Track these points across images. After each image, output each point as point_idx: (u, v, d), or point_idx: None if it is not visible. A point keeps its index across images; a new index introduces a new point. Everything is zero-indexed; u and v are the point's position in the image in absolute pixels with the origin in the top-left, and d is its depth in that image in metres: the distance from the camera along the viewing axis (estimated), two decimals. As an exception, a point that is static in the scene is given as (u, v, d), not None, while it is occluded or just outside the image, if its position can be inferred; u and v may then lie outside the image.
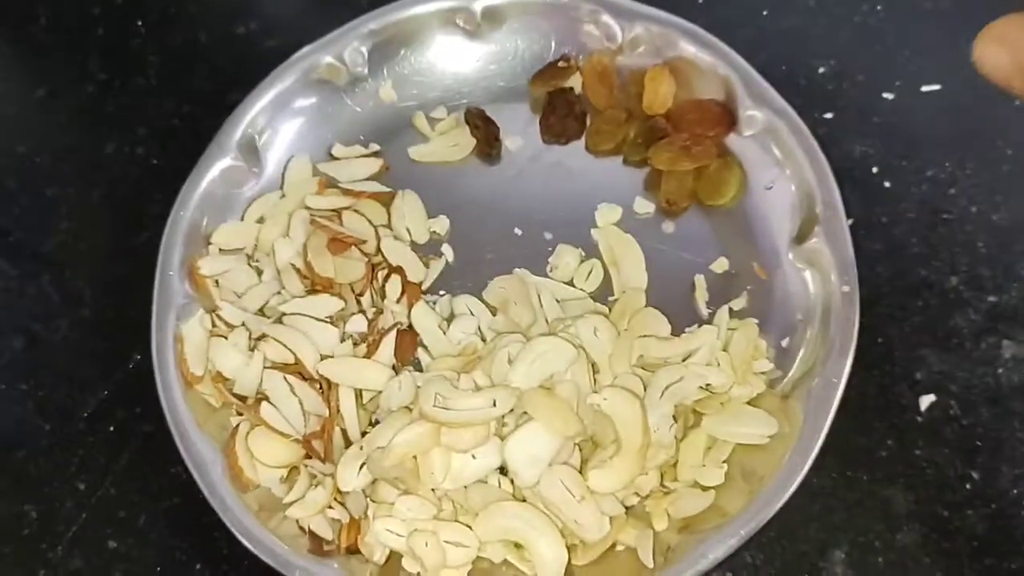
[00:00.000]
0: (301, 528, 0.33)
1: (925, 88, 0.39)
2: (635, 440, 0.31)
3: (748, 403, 0.34)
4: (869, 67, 0.40)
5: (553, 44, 0.39)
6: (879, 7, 0.40)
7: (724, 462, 0.33)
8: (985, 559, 0.32)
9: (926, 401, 0.34)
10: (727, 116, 0.37)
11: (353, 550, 0.32)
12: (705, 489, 0.33)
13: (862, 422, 0.34)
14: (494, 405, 0.31)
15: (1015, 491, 0.33)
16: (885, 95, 0.39)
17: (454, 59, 0.40)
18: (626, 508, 0.33)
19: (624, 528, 0.32)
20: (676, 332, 0.35)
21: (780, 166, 0.36)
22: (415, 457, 0.32)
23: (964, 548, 0.32)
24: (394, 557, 0.32)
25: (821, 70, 0.40)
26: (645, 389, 0.33)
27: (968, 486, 0.33)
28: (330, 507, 0.33)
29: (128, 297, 0.37)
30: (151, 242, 0.36)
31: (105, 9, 0.43)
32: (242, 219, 0.37)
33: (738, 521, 0.31)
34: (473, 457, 0.32)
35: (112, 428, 0.36)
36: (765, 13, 0.41)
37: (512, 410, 0.32)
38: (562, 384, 0.32)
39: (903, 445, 0.34)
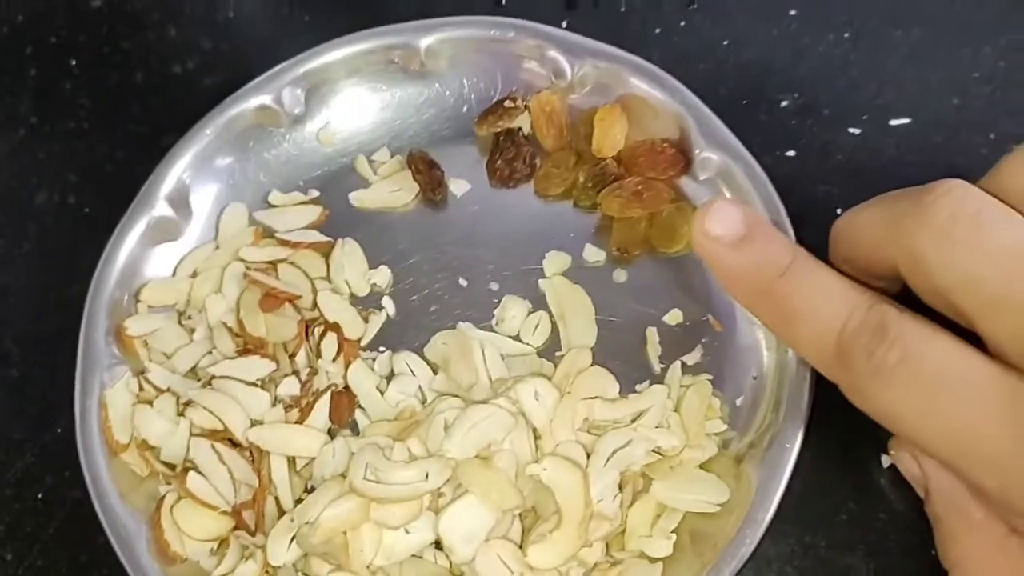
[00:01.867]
0: (230, 604, 0.31)
1: (894, 122, 0.37)
2: (577, 512, 0.30)
3: (700, 467, 0.32)
4: (834, 100, 0.38)
5: (500, 83, 0.37)
6: (846, 36, 0.38)
7: (673, 531, 0.31)
8: (951, 631, 0.30)
9: (888, 460, 0.32)
10: (680, 158, 0.35)
11: (284, 627, 0.31)
12: (653, 561, 0.31)
13: (820, 484, 0.32)
14: (427, 478, 0.30)
15: (983, 558, 0.31)
16: (851, 130, 0.37)
17: (396, 100, 0.38)
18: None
19: (568, 607, 0.30)
20: (626, 387, 0.33)
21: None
22: (345, 533, 0.30)
23: (929, 617, 0.31)
24: (327, 635, 0.31)
25: (784, 104, 0.38)
26: (589, 456, 0.31)
27: (933, 552, 0.31)
28: (261, 582, 0.31)
29: (58, 355, 0.36)
30: (82, 296, 0.35)
31: (37, 49, 0.41)
32: (174, 274, 0.36)
33: (687, 596, 0.30)
34: (407, 532, 0.30)
35: (40, 495, 0.35)
36: (725, 43, 0.39)
37: (448, 481, 0.30)
38: (500, 454, 0.31)
39: (864, 508, 0.32)
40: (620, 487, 0.31)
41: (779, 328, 0.29)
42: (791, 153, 0.37)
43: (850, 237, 0.28)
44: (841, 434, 0.33)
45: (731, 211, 0.29)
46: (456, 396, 0.32)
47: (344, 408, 0.34)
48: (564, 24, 0.39)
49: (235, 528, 0.32)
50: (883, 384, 0.25)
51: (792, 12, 0.39)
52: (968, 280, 0.25)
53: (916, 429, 0.25)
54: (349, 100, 0.38)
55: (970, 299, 0.25)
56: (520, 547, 0.30)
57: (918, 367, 0.25)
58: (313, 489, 0.32)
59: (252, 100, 0.37)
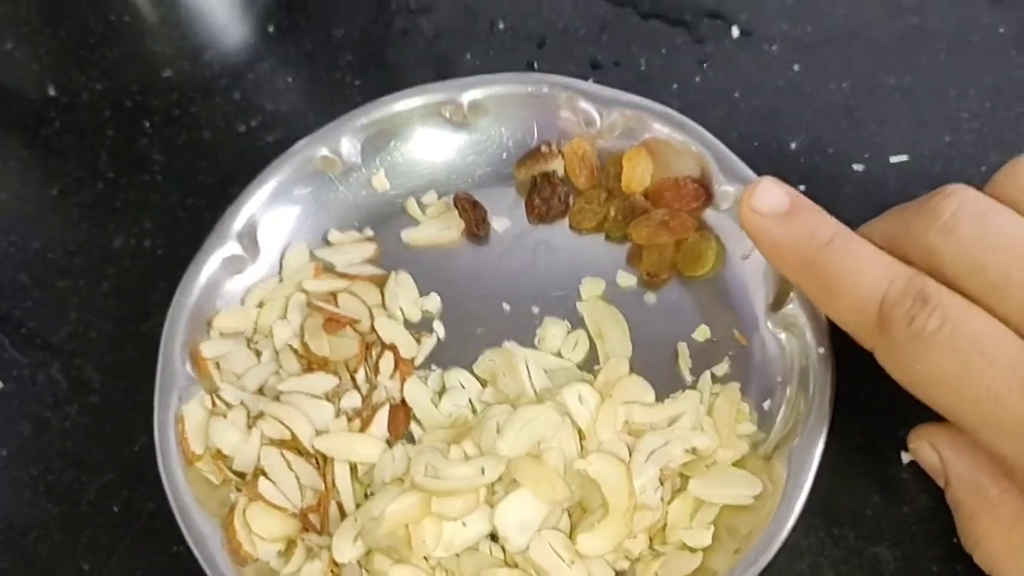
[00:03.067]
0: (299, 601, 0.33)
1: (893, 159, 0.41)
2: (622, 503, 0.32)
3: (733, 465, 0.34)
4: (838, 140, 0.42)
5: (536, 131, 0.41)
6: (844, 85, 0.43)
7: (711, 523, 0.33)
8: (976, 615, 0.32)
9: (907, 457, 0.35)
10: (703, 192, 0.39)
11: (349, 622, 0.33)
12: (693, 551, 0.33)
13: (847, 480, 0.35)
14: (483, 473, 0.32)
15: (1002, 545, 0.33)
16: (855, 166, 0.41)
17: (442, 148, 0.42)
18: (616, 573, 0.33)
19: (615, 594, 0.33)
20: (660, 398, 0.36)
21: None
22: (407, 526, 0.32)
23: (955, 603, 0.33)
24: (389, 628, 0.33)
25: (792, 145, 0.42)
26: (631, 454, 0.34)
27: (955, 539, 0.33)
28: (327, 579, 0.34)
29: (135, 382, 0.39)
30: (156, 329, 0.38)
31: (115, 112, 0.46)
32: (242, 304, 0.39)
33: (726, 581, 0.32)
34: (464, 525, 0.32)
35: (116, 509, 0.37)
36: (736, 94, 0.43)
37: (501, 478, 0.33)
38: (549, 451, 0.33)
39: (888, 501, 0.35)
40: (661, 483, 0.34)
41: (822, 297, 0.31)
42: (802, 187, 0.41)
43: (870, 239, 0.31)
44: (863, 434, 0.36)
45: (776, 189, 0.32)
46: (506, 404, 0.35)
47: (401, 420, 0.36)
48: (590, 81, 0.43)
49: (302, 530, 0.34)
50: (922, 349, 0.28)
51: (795, 67, 0.44)
52: (974, 267, 0.28)
53: (947, 395, 0.28)
54: (400, 149, 0.42)
55: (980, 282, 0.28)
56: (570, 537, 0.33)
57: (956, 335, 0.27)
58: (372, 495, 0.35)
59: (313, 150, 0.41)
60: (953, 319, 0.28)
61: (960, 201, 0.29)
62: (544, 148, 0.41)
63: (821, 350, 0.34)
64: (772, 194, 0.32)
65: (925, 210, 0.30)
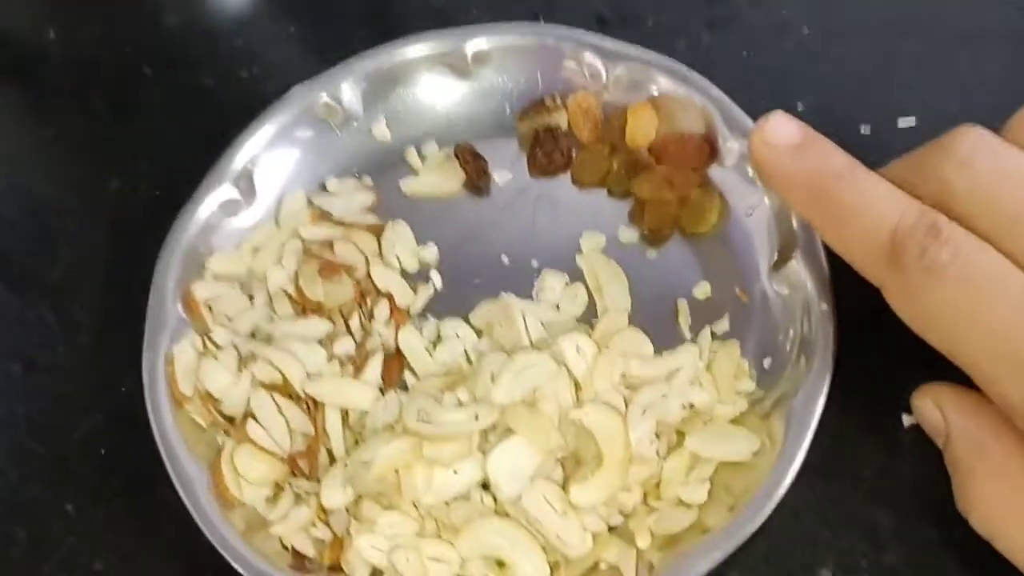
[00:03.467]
0: (285, 546, 0.33)
1: (902, 123, 0.40)
2: (616, 454, 0.32)
3: (731, 422, 0.34)
4: (846, 103, 0.41)
5: (540, 83, 0.41)
6: (855, 48, 0.42)
7: (707, 479, 0.33)
8: (974, 578, 0.32)
9: (910, 420, 0.34)
10: (707, 148, 0.38)
11: (336, 568, 0.32)
12: (688, 507, 0.33)
13: (847, 442, 0.34)
14: (476, 419, 0.32)
15: (1002, 510, 0.33)
16: (862, 129, 0.40)
17: (445, 98, 0.41)
18: (610, 528, 0.33)
19: (607, 546, 0.32)
20: (659, 353, 0.35)
21: (759, 193, 0.37)
22: (397, 472, 0.32)
23: (952, 567, 0.32)
24: (376, 574, 0.32)
25: (800, 107, 0.41)
26: (627, 406, 0.33)
27: (953, 506, 0.33)
28: (314, 525, 0.33)
29: (125, 324, 0.38)
30: (148, 273, 0.37)
31: (114, 55, 0.45)
32: (237, 248, 0.38)
33: (720, 536, 0.31)
34: (455, 472, 0.32)
35: (103, 451, 0.37)
36: (745, 55, 0.42)
37: (495, 426, 0.32)
38: (544, 399, 0.33)
39: (888, 464, 0.34)
40: (656, 436, 0.33)
41: (832, 228, 0.30)
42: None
43: None
44: (864, 395, 0.35)
45: (788, 121, 0.31)
46: (501, 353, 0.34)
47: (395, 368, 0.36)
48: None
49: (290, 475, 0.34)
50: (933, 281, 0.27)
51: (805, 30, 0.43)
52: (989, 203, 0.28)
53: (956, 330, 0.27)
54: (401, 98, 0.41)
55: (993, 218, 0.28)
56: (563, 488, 0.32)
57: (968, 268, 0.27)
58: (364, 442, 0.34)
59: (313, 95, 0.40)
60: (965, 253, 0.27)
61: (977, 138, 0.29)
62: (548, 101, 0.40)
63: (824, 307, 0.34)
64: (784, 126, 0.32)
65: (940, 146, 0.30)
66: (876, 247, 0.29)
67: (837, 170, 0.31)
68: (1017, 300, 0.27)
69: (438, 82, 0.41)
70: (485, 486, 0.32)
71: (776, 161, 0.31)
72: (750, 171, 0.37)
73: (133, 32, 0.46)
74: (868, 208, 0.30)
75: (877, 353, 0.35)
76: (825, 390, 0.33)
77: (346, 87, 0.40)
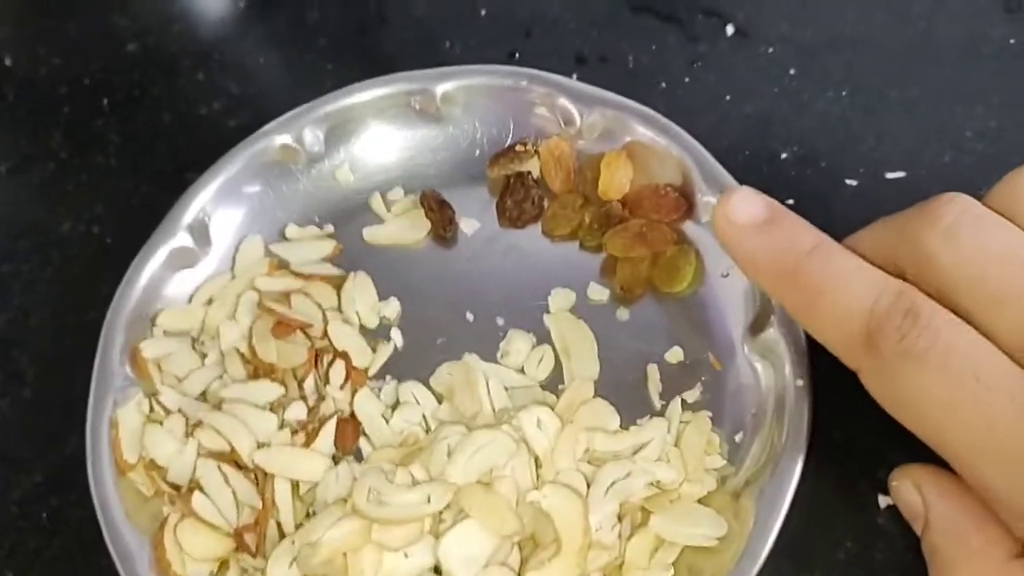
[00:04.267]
0: (228, 627, 0.32)
1: (889, 175, 0.39)
2: (575, 541, 0.30)
3: (699, 501, 0.32)
4: (832, 153, 0.39)
5: (511, 128, 0.39)
6: (844, 93, 0.40)
7: (671, 564, 0.31)
8: (949, 674, 0.30)
9: (886, 501, 0.33)
10: (683, 202, 0.36)
11: (281, 651, 0.31)
12: (651, 594, 0.31)
13: (819, 522, 0.33)
14: (429, 501, 0.30)
15: (981, 600, 0.31)
16: (848, 181, 0.38)
17: (412, 142, 0.39)
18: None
19: (565, 636, 0.30)
20: (627, 423, 0.34)
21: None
22: (345, 555, 0.30)
23: (927, 662, 0.31)
24: (323, 660, 0.31)
25: (783, 156, 0.39)
26: (590, 485, 0.31)
27: (931, 594, 0.31)
28: (260, 604, 0.32)
29: (71, 378, 0.36)
30: (98, 323, 0.36)
31: (72, 88, 0.44)
32: (190, 301, 0.37)
33: (684, 630, 0.30)
34: (406, 556, 0.30)
35: (44, 514, 0.35)
36: (728, 98, 0.40)
37: (449, 507, 0.31)
38: (501, 479, 0.31)
39: (862, 547, 0.32)
40: (619, 519, 0.31)
41: (803, 311, 0.29)
42: (791, 201, 0.38)
43: (859, 250, 0.29)
44: (839, 474, 0.33)
45: (754, 197, 0.30)
46: (460, 424, 0.33)
47: (349, 434, 0.34)
48: (574, 77, 0.41)
49: (236, 550, 0.32)
50: (913, 367, 0.26)
51: (792, 71, 0.41)
52: (973, 279, 0.26)
53: (936, 419, 0.26)
54: (366, 141, 0.39)
55: (977, 297, 0.26)
56: (518, 575, 0.30)
57: (949, 354, 0.25)
58: (315, 514, 0.33)
59: (273, 138, 0.38)
60: (945, 337, 0.26)
61: (962, 207, 0.27)
62: (519, 147, 0.38)
63: (800, 382, 0.32)
64: (749, 203, 0.30)
65: (924, 214, 0.28)
66: (850, 330, 0.27)
67: (806, 248, 0.29)
68: (1003, 391, 0.25)
69: (405, 126, 0.39)
70: (438, 569, 0.31)
71: (741, 240, 0.30)
72: (727, 230, 0.35)
73: (93, 62, 0.44)
74: (841, 290, 0.28)
75: (852, 429, 0.34)
76: (798, 471, 0.31)
77: (308, 130, 0.38)
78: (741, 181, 0.36)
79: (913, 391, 0.26)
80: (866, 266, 0.28)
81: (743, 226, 0.30)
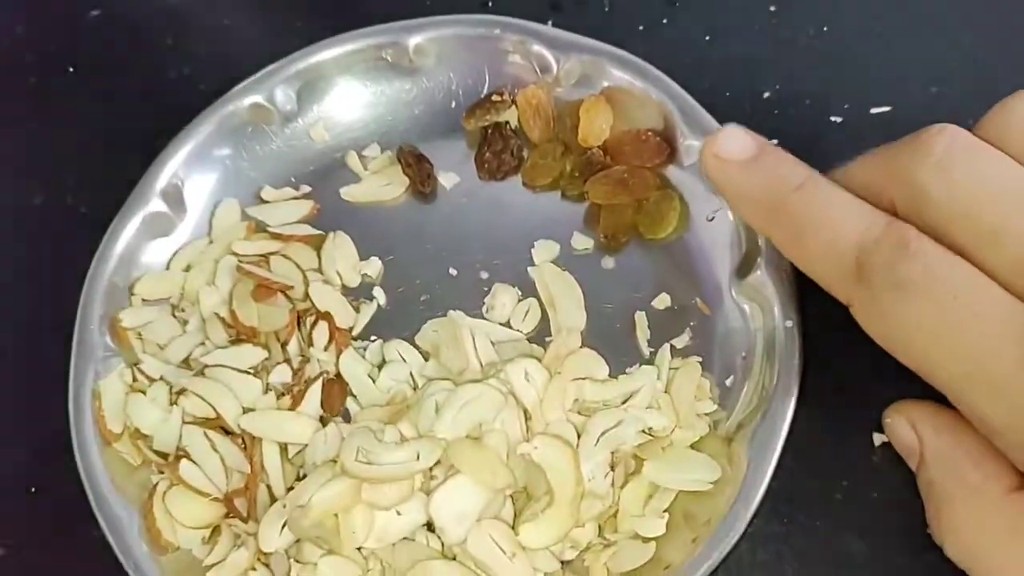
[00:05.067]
0: (222, 592, 0.31)
1: (875, 110, 0.38)
2: (568, 491, 0.30)
3: (691, 447, 0.32)
4: (816, 91, 0.38)
5: (487, 78, 0.38)
6: (825, 29, 0.39)
7: (666, 511, 0.31)
8: (946, 607, 0.30)
9: (881, 439, 0.32)
10: (665, 147, 0.36)
11: (276, 614, 0.31)
12: (646, 540, 0.31)
13: (813, 464, 0.32)
14: (418, 458, 0.30)
15: (977, 533, 0.31)
16: (833, 118, 0.38)
17: (386, 96, 0.38)
18: (563, 563, 0.31)
19: (561, 589, 0.30)
20: (616, 372, 0.33)
21: (721, 197, 0.35)
22: (336, 515, 0.30)
23: (925, 596, 0.31)
24: (319, 621, 0.31)
25: (766, 95, 0.38)
26: (580, 436, 0.31)
27: (928, 529, 0.31)
28: (253, 569, 0.31)
29: (51, 350, 0.36)
30: (76, 294, 0.35)
31: (37, 56, 0.42)
32: (168, 268, 0.36)
33: (681, 572, 0.30)
34: (398, 514, 0.30)
35: (33, 488, 0.35)
36: (707, 39, 0.40)
37: (439, 463, 0.30)
38: (491, 433, 0.31)
39: (857, 487, 0.32)
40: (612, 467, 0.31)
41: (792, 243, 0.29)
42: (775, 141, 0.37)
43: (847, 185, 0.29)
44: (832, 414, 0.33)
45: (741, 133, 0.30)
46: (447, 380, 0.32)
47: (336, 396, 0.34)
48: (549, 23, 0.40)
49: (227, 516, 0.32)
50: (904, 298, 0.25)
51: (772, 8, 0.40)
52: (967, 213, 0.26)
53: (928, 350, 0.26)
54: (340, 98, 0.38)
55: (971, 231, 0.26)
56: (512, 527, 0.30)
57: (940, 283, 0.25)
58: (305, 477, 0.32)
59: (244, 99, 0.37)
60: (936, 268, 0.25)
61: (951, 138, 0.27)
62: (496, 96, 0.37)
63: (789, 323, 0.32)
64: (737, 139, 0.30)
65: (914, 146, 0.27)
66: (840, 263, 0.27)
67: (794, 183, 0.28)
68: (994, 319, 0.25)
69: (379, 81, 0.38)
70: (431, 526, 0.31)
71: (729, 176, 0.29)
72: (711, 172, 0.35)
73: (57, 30, 0.43)
74: (830, 222, 0.27)
75: (845, 368, 0.33)
76: (791, 412, 0.31)
77: (280, 89, 0.38)
78: (723, 123, 0.35)
79: (905, 321, 0.26)
80: (855, 199, 0.28)
81: (731, 162, 0.29)
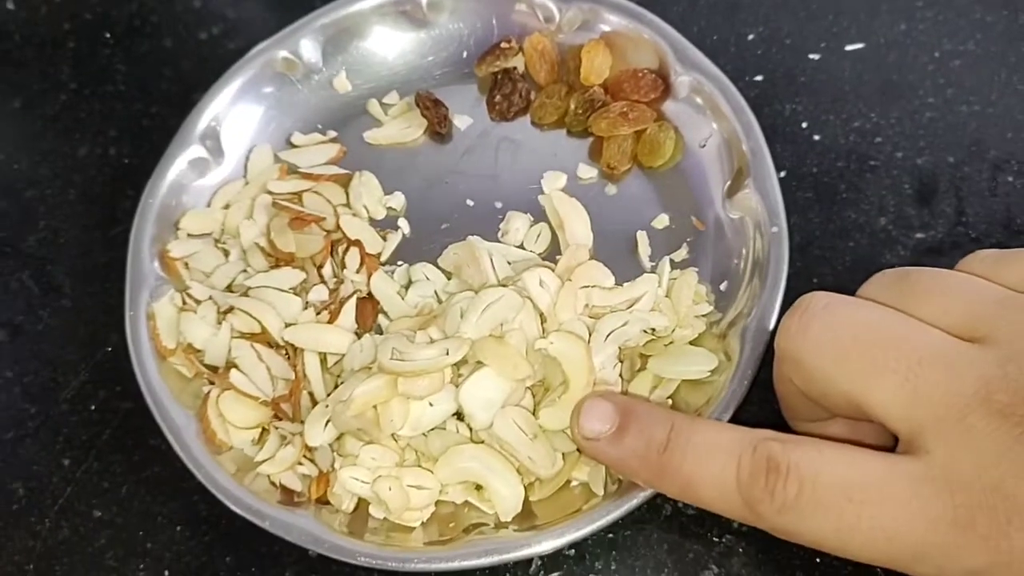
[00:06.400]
0: (273, 484, 0.34)
1: (849, 47, 0.42)
2: (582, 378, 0.33)
3: (690, 343, 0.35)
4: (795, 31, 0.42)
5: (496, 28, 0.42)
6: (803, -24, 0.43)
7: (668, 398, 0.34)
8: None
9: (860, 334, 0.36)
10: (660, 83, 0.39)
11: (323, 501, 0.34)
12: (652, 425, 0.34)
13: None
14: (447, 354, 0.33)
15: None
16: (811, 56, 0.42)
17: (403, 47, 0.42)
18: (578, 450, 0.34)
19: (578, 465, 0.34)
20: (621, 284, 0.37)
21: (712, 125, 0.38)
22: (375, 408, 0.33)
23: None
24: (362, 505, 0.34)
25: (750, 37, 0.42)
26: (590, 334, 0.35)
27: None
28: (300, 463, 0.35)
29: (106, 286, 0.39)
30: (124, 234, 0.38)
31: (75, 24, 0.46)
32: (208, 206, 0.40)
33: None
34: (431, 405, 0.33)
35: (93, 407, 0.38)
36: (696, -12, 0.43)
37: (466, 360, 0.34)
38: (511, 332, 0.34)
39: (841, 376, 0.36)
40: (620, 361, 0.35)
41: (684, 496, 0.29)
42: (759, 78, 0.41)
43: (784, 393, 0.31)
44: (816, 312, 0.36)
45: (602, 405, 0.30)
46: (469, 291, 0.36)
47: (369, 312, 0.37)
48: (551, -22, 0.43)
49: (275, 418, 0.35)
50: (795, 518, 0.26)
51: (755, -40, 0.44)
52: (836, 360, 0.27)
53: (843, 547, 0.26)
54: (361, 50, 0.42)
55: (846, 379, 0.27)
56: (533, 414, 0.34)
57: (818, 490, 0.26)
58: (343, 384, 0.36)
59: (274, 52, 0.41)
60: (810, 476, 0.26)
61: (808, 303, 0.29)
62: (504, 44, 0.41)
63: (775, 229, 0.35)
64: (599, 413, 0.30)
65: (782, 327, 0.29)
66: (731, 503, 0.27)
67: (660, 443, 0.29)
68: (879, 495, 0.25)
69: (396, 32, 0.42)
70: (460, 416, 0.34)
71: (602, 452, 0.30)
72: (703, 104, 0.38)
73: (90, -1, 0.46)
74: (705, 471, 0.28)
75: (829, 272, 0.37)
76: (778, 307, 0.34)
77: (305, 42, 0.41)
78: (714, 62, 0.38)
79: (810, 535, 0.26)
80: (719, 435, 0.28)
81: (598, 439, 0.30)
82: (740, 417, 0.33)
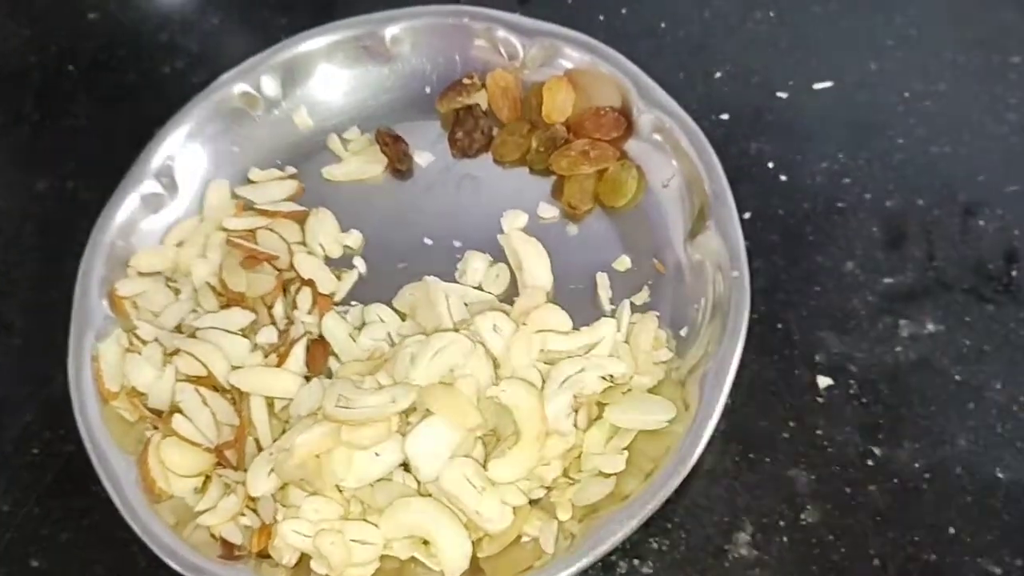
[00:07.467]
0: (213, 536, 0.33)
1: (817, 86, 0.41)
2: (533, 429, 0.32)
3: (648, 391, 0.34)
4: (763, 69, 0.41)
5: (458, 63, 0.41)
6: (771, 13, 0.42)
7: (625, 448, 0.33)
8: (888, 533, 0.32)
9: (825, 382, 0.35)
10: (623, 121, 0.38)
11: (265, 555, 0.33)
12: (607, 476, 0.33)
13: (763, 406, 0.35)
14: (393, 402, 0.32)
15: (916, 464, 0.33)
16: (779, 94, 0.41)
17: (364, 83, 0.41)
18: (532, 501, 0.33)
19: (529, 519, 0.32)
20: (580, 328, 0.36)
21: (674, 165, 0.37)
22: (319, 457, 0.32)
23: (867, 523, 0.33)
24: (304, 560, 0.33)
25: (717, 75, 0.41)
26: (545, 381, 0.33)
27: (870, 462, 0.34)
28: (242, 514, 0.33)
29: (56, 323, 0.38)
30: (77, 271, 0.37)
31: (40, 56, 0.45)
32: (162, 243, 0.39)
33: (636, 503, 0.32)
34: (376, 455, 0.32)
35: (36, 450, 0.37)
36: (663, 26, 0.43)
37: (415, 408, 0.33)
38: (462, 378, 0.33)
39: (804, 426, 0.35)
40: (575, 411, 0.34)
41: None
42: (725, 116, 0.40)
43: None
44: (779, 361, 0.36)
45: None
46: (421, 334, 0.35)
47: (319, 355, 0.36)
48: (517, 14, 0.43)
49: (217, 465, 0.34)
50: None
51: (722, -1, 0.43)
52: None
53: None
54: (321, 85, 0.41)
55: None
56: (483, 466, 0.32)
57: None
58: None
59: (232, 87, 0.40)
60: None
61: None
62: (466, 80, 0.40)
63: (735, 273, 0.34)
64: None
65: None
66: None
67: None
68: None
69: (357, 68, 0.41)
70: (407, 467, 0.33)
71: None
72: (666, 143, 0.38)
73: (57, 31, 0.46)
74: None
75: (791, 317, 0.36)
76: (738, 353, 0.33)
77: (265, 77, 0.40)
78: (679, 100, 0.38)
79: None
80: None
81: None
82: (698, 469, 0.32)
